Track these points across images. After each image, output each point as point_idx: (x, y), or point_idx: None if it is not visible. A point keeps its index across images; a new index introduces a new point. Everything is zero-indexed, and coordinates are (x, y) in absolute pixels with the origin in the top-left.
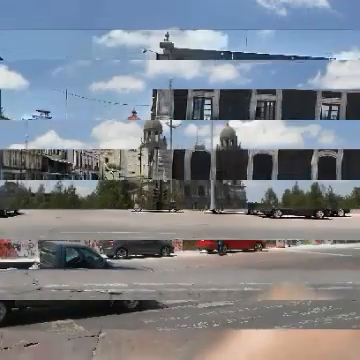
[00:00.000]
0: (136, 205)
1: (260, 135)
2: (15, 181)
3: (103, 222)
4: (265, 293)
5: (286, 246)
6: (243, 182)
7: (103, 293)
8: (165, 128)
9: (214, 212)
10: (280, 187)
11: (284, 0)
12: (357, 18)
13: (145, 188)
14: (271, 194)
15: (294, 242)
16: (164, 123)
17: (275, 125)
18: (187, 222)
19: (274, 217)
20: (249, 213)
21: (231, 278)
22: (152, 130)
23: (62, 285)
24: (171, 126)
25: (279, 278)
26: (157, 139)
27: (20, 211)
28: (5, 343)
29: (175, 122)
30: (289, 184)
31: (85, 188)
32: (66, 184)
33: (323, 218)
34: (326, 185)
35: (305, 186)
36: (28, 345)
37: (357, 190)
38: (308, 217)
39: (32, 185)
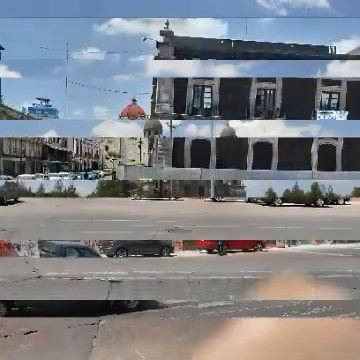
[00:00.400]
0: (136, 193)
1: (260, 134)
2: (15, 181)
3: (103, 210)
4: (265, 281)
5: (286, 246)
6: (243, 182)
7: (103, 281)
8: (165, 128)
9: (214, 200)
10: (280, 187)
11: (284, 0)
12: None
13: (145, 188)
14: (271, 194)
15: (294, 242)
16: (164, 123)
17: (275, 125)
18: (187, 210)
19: (274, 205)
20: (249, 201)
21: (231, 267)
22: (152, 130)
23: (62, 273)
24: (171, 126)
25: (279, 268)
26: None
27: (20, 199)
28: (5, 331)
29: (175, 122)
30: (289, 184)
31: (85, 188)
32: (66, 184)
33: (323, 206)
34: (326, 185)
35: (305, 186)
36: (28, 333)
37: (357, 190)
38: (308, 205)
39: (32, 185)
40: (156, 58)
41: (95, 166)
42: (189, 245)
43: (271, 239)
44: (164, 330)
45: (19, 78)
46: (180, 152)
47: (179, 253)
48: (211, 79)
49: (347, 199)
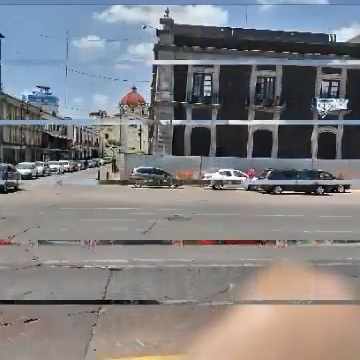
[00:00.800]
0: (137, 181)
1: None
2: (15, 181)
3: (103, 198)
4: (265, 269)
5: (286, 245)
6: (243, 180)
7: (103, 269)
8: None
9: (214, 188)
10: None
11: None
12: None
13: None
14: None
15: (294, 242)
16: (164, 122)
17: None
18: (187, 198)
19: (274, 193)
20: (249, 189)
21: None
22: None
23: (62, 261)
24: (171, 124)
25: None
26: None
27: (20, 187)
28: (5, 319)
29: (175, 122)
30: (289, 183)
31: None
32: (66, 183)
33: (323, 194)
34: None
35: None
36: (28, 321)
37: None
38: (308, 193)
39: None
40: (156, 46)
41: (95, 154)
42: (190, 244)
43: (270, 226)
44: (164, 318)
45: (19, 66)
46: (180, 140)
47: None
48: (211, 67)
49: (347, 187)
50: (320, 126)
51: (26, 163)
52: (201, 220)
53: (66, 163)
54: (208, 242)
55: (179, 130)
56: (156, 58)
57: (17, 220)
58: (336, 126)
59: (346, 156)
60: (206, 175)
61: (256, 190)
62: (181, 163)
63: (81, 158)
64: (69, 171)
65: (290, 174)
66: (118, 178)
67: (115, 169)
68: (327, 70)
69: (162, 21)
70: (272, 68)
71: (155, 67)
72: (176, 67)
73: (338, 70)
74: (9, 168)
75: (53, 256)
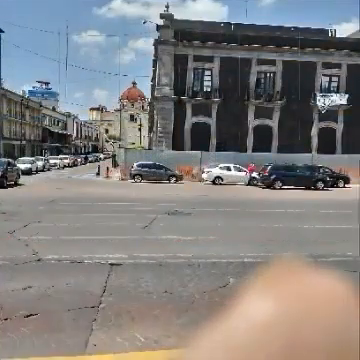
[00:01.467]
0: (137, 175)
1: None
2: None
3: (103, 193)
4: (265, 264)
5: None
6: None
7: (103, 264)
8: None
9: (214, 183)
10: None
11: None
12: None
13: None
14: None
15: None
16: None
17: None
18: (187, 193)
19: (274, 188)
20: (249, 184)
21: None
22: None
23: (62, 256)
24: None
25: (279, 250)
26: None
27: (20, 182)
28: (5, 314)
29: None
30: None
31: None
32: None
33: (323, 189)
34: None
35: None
36: (28, 316)
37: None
38: (308, 188)
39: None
40: (156, 41)
41: (95, 149)
42: None
43: (271, 221)
44: (164, 313)
45: (19, 61)
46: (180, 135)
47: None
48: (211, 61)
49: (347, 182)
50: (320, 121)
51: (26, 158)
52: (201, 215)
53: (66, 158)
54: None
55: (179, 125)
56: (156, 53)
57: (17, 215)
58: (336, 121)
59: (346, 151)
60: (206, 170)
61: (256, 185)
62: (181, 158)
63: (81, 153)
64: (69, 166)
65: (290, 169)
66: (118, 173)
67: (115, 164)
68: (327, 65)
69: (162, 16)
70: (272, 63)
71: (155, 62)
72: (176, 62)
73: (338, 65)
74: (9, 163)
75: (53, 251)
